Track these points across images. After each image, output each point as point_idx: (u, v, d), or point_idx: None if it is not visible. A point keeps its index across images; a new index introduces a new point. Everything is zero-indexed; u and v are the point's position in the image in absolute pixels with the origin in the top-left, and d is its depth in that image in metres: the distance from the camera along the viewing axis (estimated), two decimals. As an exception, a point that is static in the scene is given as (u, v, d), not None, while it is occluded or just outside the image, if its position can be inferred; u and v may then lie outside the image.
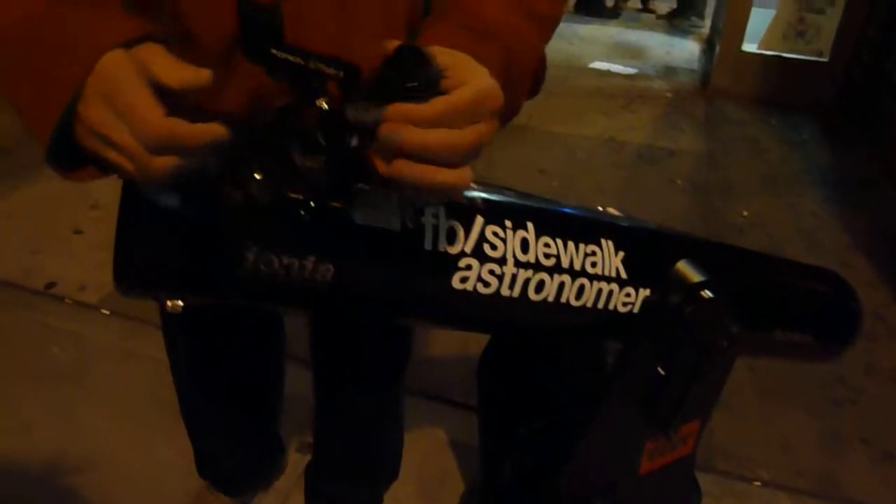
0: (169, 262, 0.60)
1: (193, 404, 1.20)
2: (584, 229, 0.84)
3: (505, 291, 0.75)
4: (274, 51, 0.60)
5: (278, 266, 0.62)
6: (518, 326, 0.86)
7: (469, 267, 0.72)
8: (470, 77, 0.57)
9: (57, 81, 0.52)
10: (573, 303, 0.81)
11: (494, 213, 0.75)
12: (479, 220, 0.73)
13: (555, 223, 0.81)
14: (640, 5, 6.10)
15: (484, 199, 0.76)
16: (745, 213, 2.82)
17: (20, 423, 1.69)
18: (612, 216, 0.95)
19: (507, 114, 0.70)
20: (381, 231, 0.66)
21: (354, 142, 0.57)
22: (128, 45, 0.52)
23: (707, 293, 0.92)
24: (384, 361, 1.19)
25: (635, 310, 0.88)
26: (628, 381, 0.92)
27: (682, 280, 0.92)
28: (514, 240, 0.75)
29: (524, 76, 0.75)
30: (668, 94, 4.06)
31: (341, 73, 0.61)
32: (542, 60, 0.81)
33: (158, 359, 1.30)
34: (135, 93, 0.49)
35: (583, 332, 0.90)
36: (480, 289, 0.74)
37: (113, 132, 0.50)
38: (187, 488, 1.49)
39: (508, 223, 0.76)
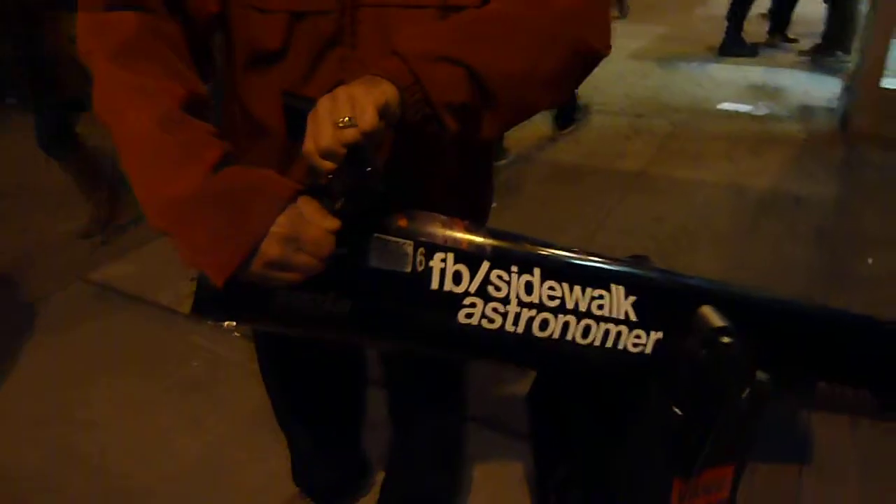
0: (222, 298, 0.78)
1: (282, 422, 1.40)
2: (592, 275, 0.93)
3: (509, 328, 0.86)
4: None
5: (305, 300, 0.78)
6: (530, 361, 0.96)
7: (473, 305, 0.84)
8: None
9: (243, 231, 0.73)
10: (579, 341, 0.90)
11: (501, 259, 0.87)
12: (486, 264, 0.85)
13: (562, 269, 0.91)
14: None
15: (493, 247, 0.88)
16: (870, 261, 2.65)
17: (157, 427, 2.00)
18: (630, 265, 1.02)
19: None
20: (393, 273, 0.80)
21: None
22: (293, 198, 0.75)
23: (725, 338, 0.96)
24: (436, 389, 1.31)
25: (647, 351, 0.95)
26: (644, 423, 0.98)
27: (700, 324, 0.98)
28: (518, 282, 0.87)
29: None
30: (802, 137, 3.89)
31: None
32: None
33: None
34: (319, 232, 0.74)
35: (597, 370, 0.98)
36: (485, 324, 0.85)
37: (293, 258, 0.73)
38: (286, 495, 1.69)
39: (514, 268, 0.87)
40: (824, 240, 2.87)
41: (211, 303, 0.78)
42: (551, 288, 0.88)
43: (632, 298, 0.93)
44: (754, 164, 3.59)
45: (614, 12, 4.73)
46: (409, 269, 0.81)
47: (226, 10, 0.92)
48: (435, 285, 0.82)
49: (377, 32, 0.88)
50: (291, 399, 1.34)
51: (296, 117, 0.77)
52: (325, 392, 1.34)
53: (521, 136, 3.78)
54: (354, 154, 0.71)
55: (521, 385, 1.93)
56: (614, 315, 0.92)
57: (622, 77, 4.88)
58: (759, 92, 4.65)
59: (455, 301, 0.83)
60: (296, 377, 1.30)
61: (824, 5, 5.30)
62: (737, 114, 4.28)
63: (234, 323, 0.83)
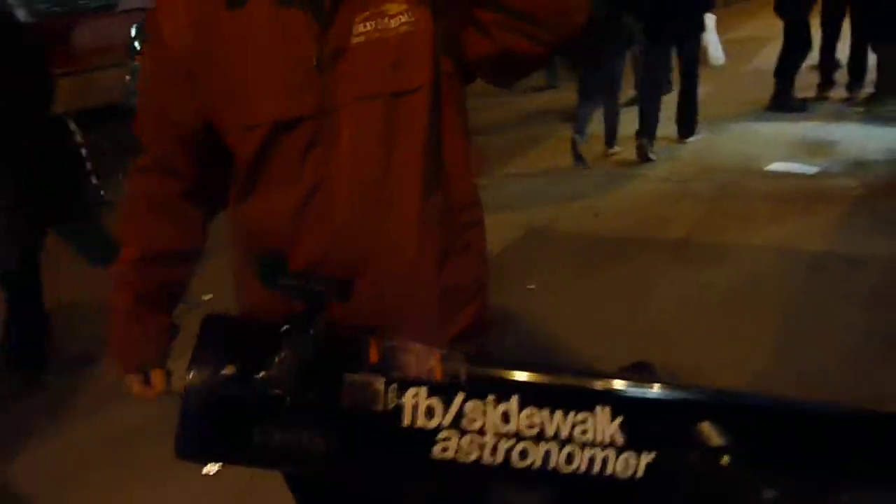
0: (206, 443, 0.81)
1: None
2: (575, 398, 0.91)
3: (487, 459, 0.86)
4: (281, 281, 0.82)
5: (280, 441, 0.80)
6: (511, 490, 0.94)
7: (447, 438, 0.84)
8: None
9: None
10: (563, 469, 0.88)
11: (477, 389, 0.87)
12: (460, 396, 0.86)
13: (542, 395, 0.90)
14: (845, 94, 5.62)
15: (469, 377, 0.88)
16: (937, 329, 2.50)
17: None
18: (622, 379, 1.00)
19: None
20: (364, 412, 0.82)
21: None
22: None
23: (725, 458, 0.92)
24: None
25: (638, 474, 0.91)
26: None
27: (698, 443, 0.94)
28: (494, 412, 0.86)
29: None
30: (856, 193, 3.75)
31: (334, 287, 0.81)
32: None
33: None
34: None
35: (583, 497, 0.95)
36: (461, 457, 0.85)
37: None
38: None
39: (491, 397, 0.87)
40: (881, 301, 2.73)
41: (193, 445, 0.81)
42: (530, 416, 0.87)
43: (619, 419, 0.91)
44: (805, 225, 3.48)
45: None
46: (379, 408, 0.82)
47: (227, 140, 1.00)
48: (406, 422, 0.83)
49: (348, 128, 0.96)
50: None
51: (266, 268, 0.82)
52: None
53: (558, 211, 3.79)
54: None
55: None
56: (599, 439, 0.90)
57: (666, 142, 4.84)
58: (810, 148, 4.53)
59: (427, 437, 0.84)
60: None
61: (873, 53, 5.17)
62: (787, 172, 4.17)
63: (217, 466, 0.86)
